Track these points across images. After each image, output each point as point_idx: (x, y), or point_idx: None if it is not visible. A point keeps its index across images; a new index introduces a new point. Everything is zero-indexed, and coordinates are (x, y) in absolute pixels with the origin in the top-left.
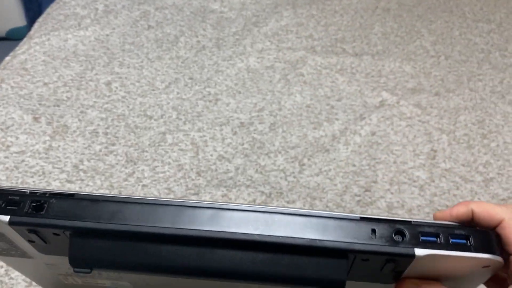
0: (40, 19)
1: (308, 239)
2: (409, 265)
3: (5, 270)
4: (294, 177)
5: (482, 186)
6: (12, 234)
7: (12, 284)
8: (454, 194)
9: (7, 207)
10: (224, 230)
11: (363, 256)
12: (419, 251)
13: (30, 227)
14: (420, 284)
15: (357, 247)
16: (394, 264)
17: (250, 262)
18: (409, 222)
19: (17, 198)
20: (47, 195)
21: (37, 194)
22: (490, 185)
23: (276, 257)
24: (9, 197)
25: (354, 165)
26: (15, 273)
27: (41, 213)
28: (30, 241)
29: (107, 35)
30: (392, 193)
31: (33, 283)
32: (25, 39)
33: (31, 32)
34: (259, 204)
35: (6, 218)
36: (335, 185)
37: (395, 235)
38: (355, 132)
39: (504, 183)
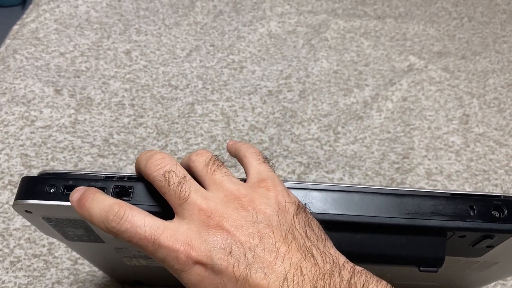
0: None
1: (407, 218)
2: (505, 241)
3: (48, 250)
4: (330, 146)
5: None
6: None
7: (57, 263)
8: (490, 159)
9: None
10: (320, 212)
11: (461, 233)
12: None
13: None
14: None
15: (458, 224)
16: (491, 240)
17: (347, 242)
18: (500, 197)
19: (99, 184)
20: (125, 179)
21: (120, 177)
22: None
23: (375, 237)
24: (91, 183)
25: (389, 132)
26: (58, 252)
27: (127, 198)
28: None
29: (119, 0)
30: (429, 159)
31: (79, 261)
32: (31, 6)
33: None
34: (344, 183)
35: None
36: (372, 153)
37: (493, 211)
38: (386, 98)
39: None
